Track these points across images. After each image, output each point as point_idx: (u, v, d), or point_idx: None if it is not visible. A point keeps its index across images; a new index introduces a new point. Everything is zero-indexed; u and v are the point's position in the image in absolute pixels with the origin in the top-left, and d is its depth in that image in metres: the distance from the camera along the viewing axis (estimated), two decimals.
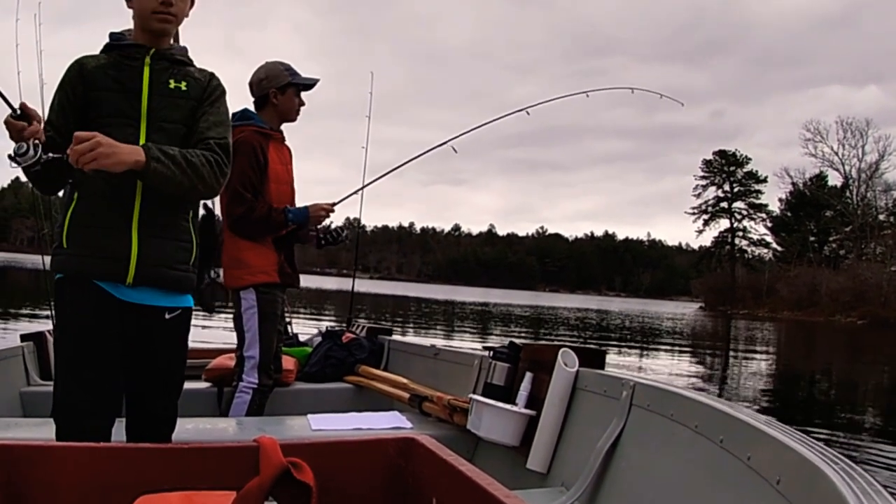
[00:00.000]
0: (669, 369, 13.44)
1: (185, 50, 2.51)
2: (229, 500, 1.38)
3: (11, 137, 2.14)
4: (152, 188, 2.28)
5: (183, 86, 2.39)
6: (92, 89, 2.33)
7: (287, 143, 4.17)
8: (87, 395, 2.26)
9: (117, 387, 2.34)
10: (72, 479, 1.36)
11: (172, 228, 2.39)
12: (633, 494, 2.37)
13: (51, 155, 2.14)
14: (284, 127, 4.14)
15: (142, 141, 2.28)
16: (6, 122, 2.15)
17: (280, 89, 4.00)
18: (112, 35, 2.46)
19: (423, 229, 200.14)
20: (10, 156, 2.14)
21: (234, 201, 3.80)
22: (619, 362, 13.64)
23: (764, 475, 1.73)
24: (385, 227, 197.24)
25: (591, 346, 3.14)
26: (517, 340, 3.38)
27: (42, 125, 2.21)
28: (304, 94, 4.12)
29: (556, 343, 3.08)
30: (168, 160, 2.20)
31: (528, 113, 4.64)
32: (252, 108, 4.07)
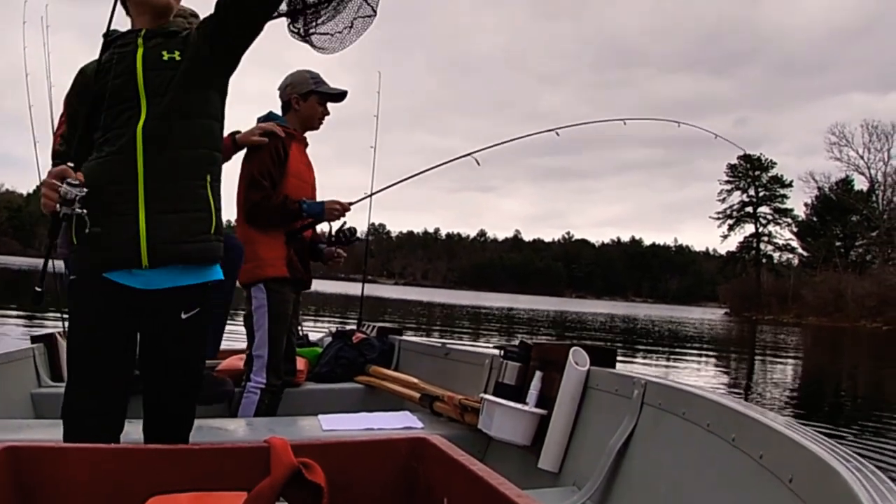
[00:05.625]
0: (695, 376, 13.30)
1: (181, 21, 2.46)
2: (240, 500, 1.38)
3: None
4: (156, 161, 2.24)
5: (177, 55, 2.32)
6: (93, 88, 2.31)
7: (308, 151, 4.25)
8: (93, 396, 2.24)
9: (127, 388, 2.32)
10: (83, 480, 1.36)
11: (185, 199, 2.30)
12: (645, 493, 2.36)
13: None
14: (313, 137, 4.26)
15: (142, 120, 2.25)
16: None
17: (302, 96, 4.09)
18: (105, 35, 2.43)
19: (448, 235, 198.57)
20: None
21: (252, 188, 3.90)
22: (645, 370, 13.53)
23: (776, 473, 1.73)
24: (410, 233, 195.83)
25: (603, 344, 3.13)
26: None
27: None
28: (332, 105, 4.20)
29: (566, 342, 3.07)
30: None
31: (557, 134, 4.66)
32: (278, 112, 4.18)
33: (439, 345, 4.69)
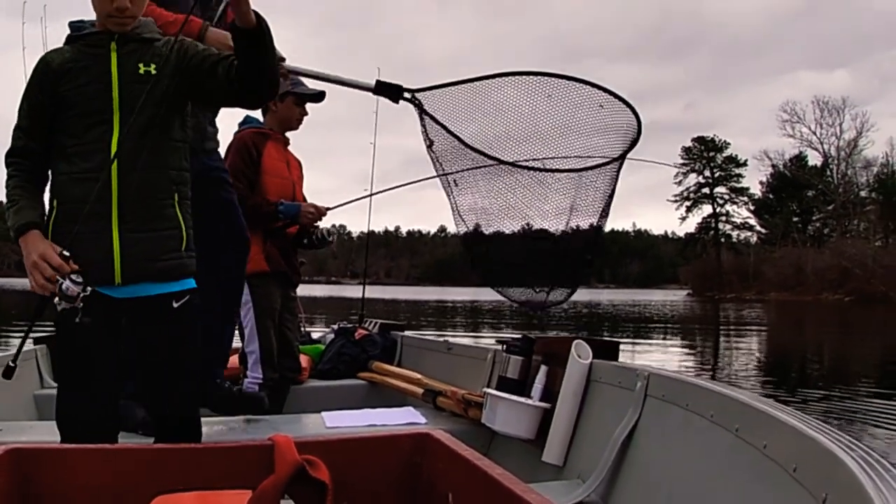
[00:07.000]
0: (662, 356, 13.31)
1: (151, 24, 2.37)
2: (245, 499, 1.38)
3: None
4: (129, 181, 2.20)
5: (152, 68, 2.25)
6: (60, 86, 2.22)
7: (291, 150, 4.35)
8: (81, 403, 2.22)
9: (117, 393, 2.29)
10: (87, 480, 1.36)
11: (156, 219, 2.26)
12: (649, 485, 2.36)
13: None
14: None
15: (115, 136, 2.19)
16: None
17: (279, 97, 4.11)
18: (72, 25, 2.35)
19: (409, 232, 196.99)
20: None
21: None
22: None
23: (780, 463, 1.72)
24: (371, 233, 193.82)
25: (605, 338, 3.14)
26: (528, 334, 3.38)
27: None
28: (311, 106, 4.26)
29: (569, 336, 3.07)
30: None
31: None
32: (257, 115, 4.27)
33: (442, 340, 4.69)
